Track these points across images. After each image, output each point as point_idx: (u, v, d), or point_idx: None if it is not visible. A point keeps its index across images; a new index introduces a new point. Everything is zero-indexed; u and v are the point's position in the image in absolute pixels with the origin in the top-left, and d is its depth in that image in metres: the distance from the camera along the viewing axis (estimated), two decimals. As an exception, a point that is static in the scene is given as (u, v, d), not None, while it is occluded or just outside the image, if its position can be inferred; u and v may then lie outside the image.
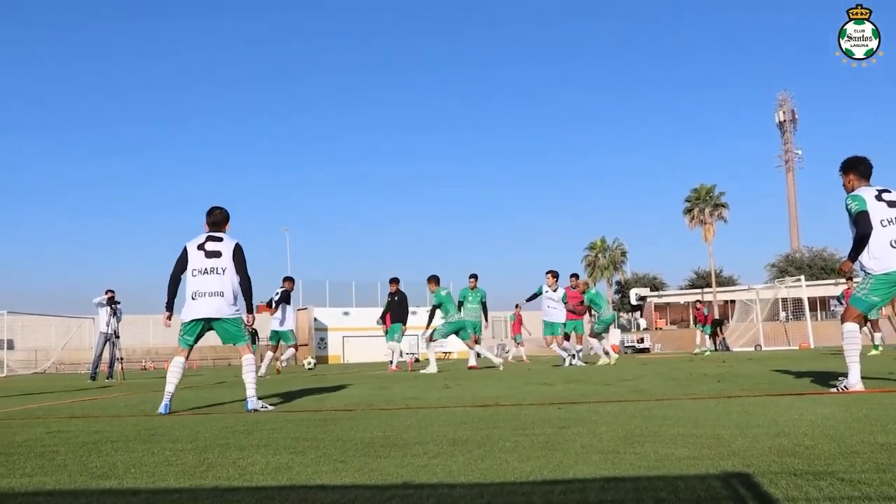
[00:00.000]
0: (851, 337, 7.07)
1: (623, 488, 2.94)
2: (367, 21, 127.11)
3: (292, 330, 18.65)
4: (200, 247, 7.61)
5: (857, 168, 7.33)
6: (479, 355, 18.49)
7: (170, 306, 7.75)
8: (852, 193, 7.14)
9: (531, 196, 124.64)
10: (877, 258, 6.91)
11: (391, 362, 19.75)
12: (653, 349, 51.95)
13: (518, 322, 29.10)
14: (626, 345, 53.39)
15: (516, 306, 29.59)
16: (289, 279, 19.04)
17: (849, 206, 7.08)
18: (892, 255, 6.87)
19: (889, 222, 6.91)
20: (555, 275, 18.57)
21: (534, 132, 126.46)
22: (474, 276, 19.02)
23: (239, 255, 7.64)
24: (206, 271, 7.49)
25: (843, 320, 7.26)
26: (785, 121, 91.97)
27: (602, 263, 74.37)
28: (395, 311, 19.68)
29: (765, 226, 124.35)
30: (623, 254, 75.45)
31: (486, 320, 19.34)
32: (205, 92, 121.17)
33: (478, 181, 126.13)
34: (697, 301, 35.18)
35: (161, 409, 7.29)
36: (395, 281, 20.10)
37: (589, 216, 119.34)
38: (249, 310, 7.83)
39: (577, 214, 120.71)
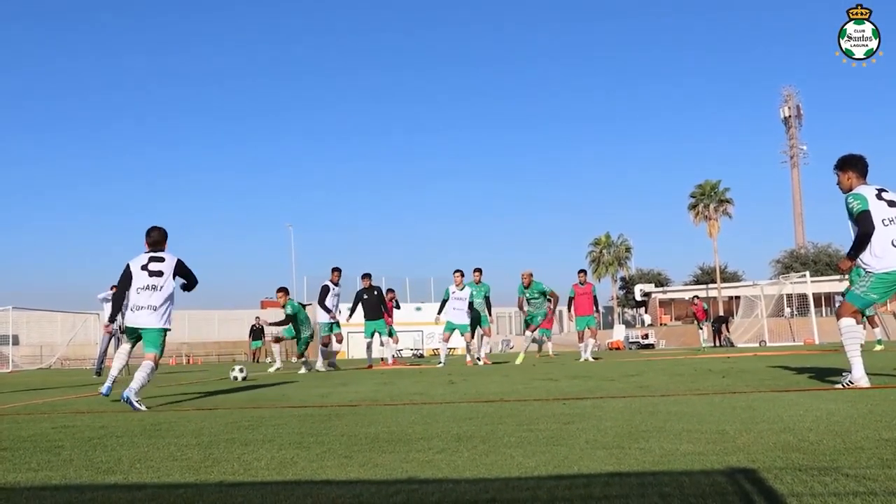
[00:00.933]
0: (850, 332, 7.07)
1: (627, 483, 2.94)
2: (368, 19, 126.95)
3: (323, 324, 18.30)
4: (144, 267, 8.28)
5: (856, 166, 7.32)
6: (477, 355, 18.59)
7: (112, 319, 8.53)
8: (853, 192, 7.12)
9: (536, 192, 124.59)
10: (878, 257, 6.90)
11: (382, 358, 19.88)
12: (657, 345, 51.94)
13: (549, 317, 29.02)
14: (631, 340, 53.41)
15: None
16: (334, 270, 18.68)
17: (850, 205, 7.06)
18: (894, 254, 6.88)
19: (890, 221, 6.91)
20: (462, 273, 18.27)
21: (539, 128, 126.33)
22: (478, 271, 18.97)
23: (183, 269, 8.47)
24: (147, 287, 8.21)
25: (838, 316, 7.25)
26: (790, 116, 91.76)
27: (606, 259, 74.39)
28: (367, 308, 19.32)
29: (770, 222, 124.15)
30: (628, 250, 75.46)
31: (490, 315, 19.25)
32: (207, 90, 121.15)
33: (482, 177, 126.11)
34: (695, 297, 34.88)
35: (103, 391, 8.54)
36: (366, 276, 19.48)
37: (593, 212, 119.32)
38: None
39: (582, 210, 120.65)
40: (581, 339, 19.25)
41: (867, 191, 7.07)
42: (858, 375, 6.93)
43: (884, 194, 7.04)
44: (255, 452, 4.06)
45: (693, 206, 68.60)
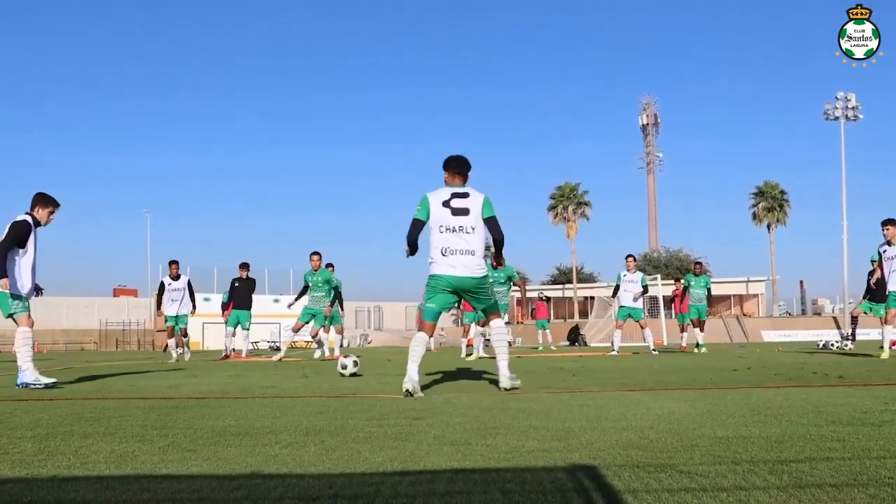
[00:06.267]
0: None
1: (471, 479, 2.96)
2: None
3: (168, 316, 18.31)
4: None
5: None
6: (321, 345, 18.62)
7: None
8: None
9: (395, 186, 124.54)
10: None
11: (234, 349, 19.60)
12: (514, 343, 52.73)
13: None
14: (487, 337, 54.03)
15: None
16: (171, 263, 18.51)
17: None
18: None
19: None
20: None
21: (399, 123, 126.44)
22: (330, 266, 19.01)
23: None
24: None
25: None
26: (648, 124, 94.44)
27: (467, 257, 74.95)
28: (238, 297, 19.41)
29: (625, 225, 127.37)
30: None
31: (342, 310, 19.60)
32: (60, 71, 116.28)
33: (344, 172, 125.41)
34: (541, 294, 35.48)
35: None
36: (244, 266, 19.66)
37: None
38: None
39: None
40: (465, 333, 19.57)
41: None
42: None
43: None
44: (94, 445, 3.91)
45: (552, 208, 70.16)
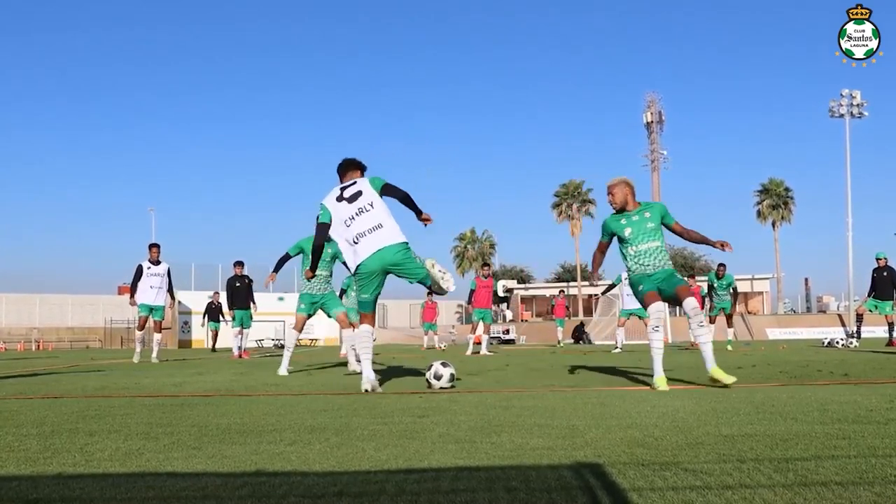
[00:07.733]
0: None
1: (476, 477, 2.96)
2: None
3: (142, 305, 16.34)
4: None
5: None
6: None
7: None
8: None
9: (400, 184, 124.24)
10: None
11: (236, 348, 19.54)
12: (518, 341, 52.72)
13: (430, 309, 29.35)
14: (492, 335, 54.05)
15: (428, 294, 29.88)
16: (152, 247, 16.54)
17: None
18: None
19: None
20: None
21: (405, 120, 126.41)
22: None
23: None
24: None
25: None
26: (652, 122, 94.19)
27: (471, 255, 75.04)
28: (237, 296, 19.45)
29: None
30: (492, 246, 76.32)
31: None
32: (58, 66, 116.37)
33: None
34: (561, 292, 35.60)
35: None
36: (238, 264, 19.68)
37: (459, 207, 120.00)
38: None
39: (447, 204, 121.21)
40: (473, 329, 19.59)
41: None
42: None
43: None
44: (99, 443, 3.92)
45: (557, 205, 70.12)
